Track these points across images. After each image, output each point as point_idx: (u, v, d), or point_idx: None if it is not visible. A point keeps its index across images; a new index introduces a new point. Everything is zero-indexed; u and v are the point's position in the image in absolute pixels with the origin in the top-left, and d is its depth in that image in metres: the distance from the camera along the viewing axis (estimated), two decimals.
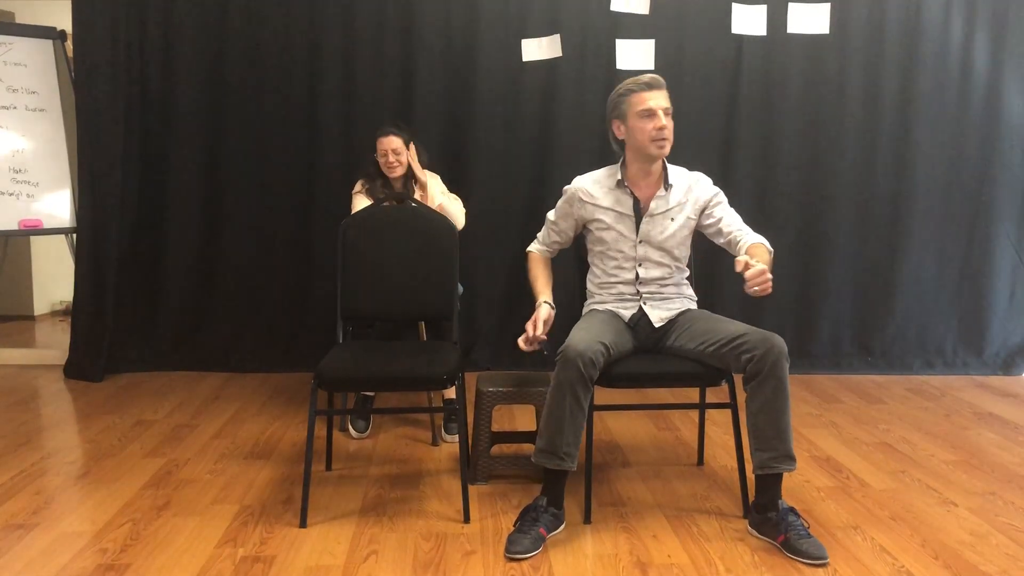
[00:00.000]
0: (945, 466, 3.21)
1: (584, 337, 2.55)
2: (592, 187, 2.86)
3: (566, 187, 2.92)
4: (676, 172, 2.86)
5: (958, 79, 4.58)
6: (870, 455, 3.33)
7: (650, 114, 2.69)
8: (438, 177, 3.77)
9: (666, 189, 2.81)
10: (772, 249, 2.71)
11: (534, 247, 3.03)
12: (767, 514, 2.53)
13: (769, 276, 2.42)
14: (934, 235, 4.68)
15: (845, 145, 4.59)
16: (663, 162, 2.83)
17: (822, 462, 3.24)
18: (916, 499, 2.88)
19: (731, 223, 2.80)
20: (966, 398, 4.20)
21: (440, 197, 3.61)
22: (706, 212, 2.83)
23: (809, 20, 4.48)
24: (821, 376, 4.62)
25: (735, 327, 2.63)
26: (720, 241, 2.83)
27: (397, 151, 3.58)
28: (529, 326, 2.70)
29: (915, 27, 4.53)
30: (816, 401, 4.12)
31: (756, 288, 2.41)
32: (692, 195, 2.83)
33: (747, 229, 2.78)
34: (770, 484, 2.55)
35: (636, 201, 2.81)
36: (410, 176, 3.65)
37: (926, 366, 4.69)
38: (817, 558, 2.39)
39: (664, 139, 2.71)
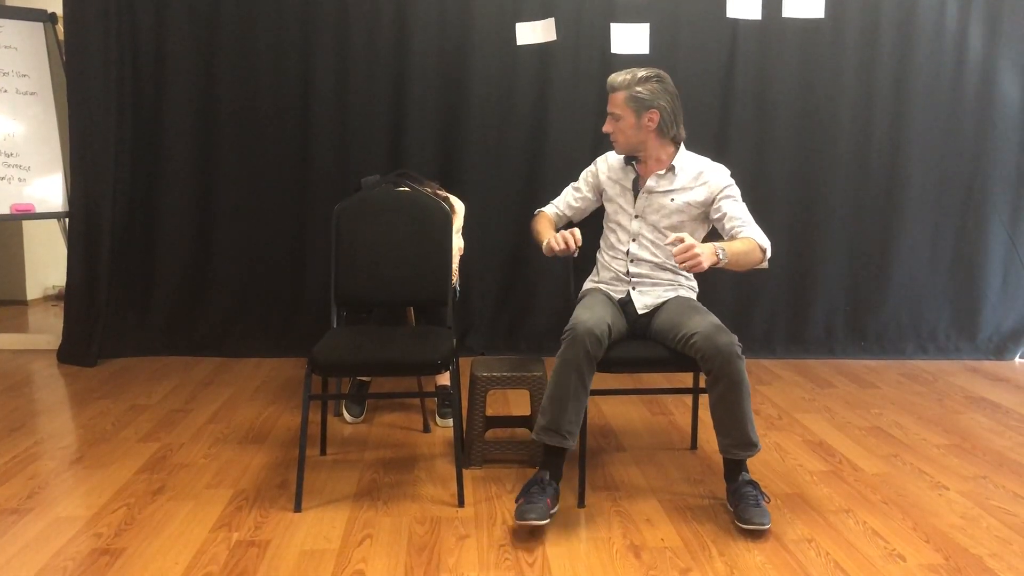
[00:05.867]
0: (937, 450, 3.23)
1: (590, 316, 2.58)
2: (613, 159, 2.97)
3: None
4: (691, 159, 2.85)
5: (953, 64, 4.57)
6: (863, 439, 3.35)
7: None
8: (463, 210, 3.68)
9: (667, 171, 2.82)
10: (765, 247, 2.66)
11: (545, 208, 3.10)
12: (730, 487, 2.63)
13: (696, 252, 2.41)
14: (928, 220, 4.68)
15: (840, 130, 4.59)
16: (675, 148, 2.84)
17: (815, 446, 3.26)
18: (908, 483, 2.90)
19: (735, 217, 2.74)
20: (959, 383, 4.22)
21: (458, 239, 3.60)
22: (714, 204, 2.81)
23: (804, 4, 4.47)
24: (814, 361, 4.63)
25: (693, 323, 2.59)
26: (724, 234, 2.79)
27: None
28: (557, 242, 2.67)
29: (910, 12, 4.51)
30: (809, 386, 4.13)
31: (684, 265, 2.43)
32: (701, 183, 2.81)
33: (751, 224, 2.72)
34: (733, 466, 2.63)
35: (637, 176, 2.86)
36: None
37: (919, 351, 4.71)
38: (756, 524, 2.45)
39: (612, 140, 2.85)
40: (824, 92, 4.56)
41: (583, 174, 3.04)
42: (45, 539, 2.41)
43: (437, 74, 4.49)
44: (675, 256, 2.44)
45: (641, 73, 2.74)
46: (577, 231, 2.70)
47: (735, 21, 4.48)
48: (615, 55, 4.45)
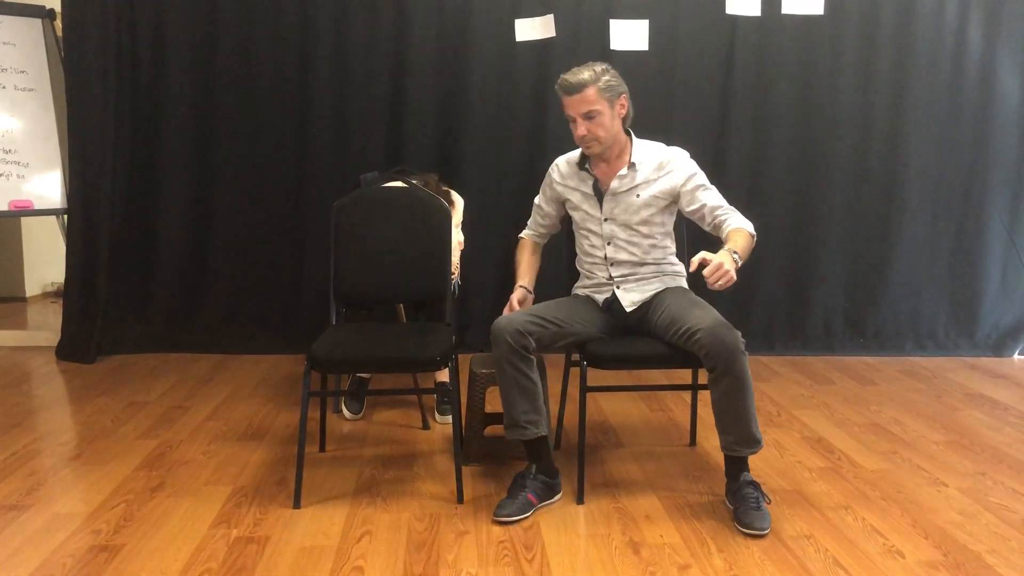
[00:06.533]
0: (936, 447, 3.23)
1: (510, 315, 2.65)
2: (564, 166, 2.90)
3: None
4: (647, 149, 2.79)
5: (952, 61, 4.56)
6: (862, 436, 3.35)
7: (571, 120, 2.71)
8: (462, 204, 3.69)
9: (629, 168, 2.76)
10: (755, 233, 2.63)
11: (525, 233, 3.07)
12: (730, 486, 2.61)
13: (727, 268, 2.35)
14: (927, 217, 4.68)
15: (838, 127, 4.58)
16: (630, 141, 2.79)
17: (814, 443, 3.26)
18: (907, 479, 2.90)
19: (716, 207, 2.71)
20: (957, 379, 4.22)
21: (458, 233, 3.58)
22: (685, 197, 2.75)
23: (804, 0, 4.46)
24: (813, 357, 4.63)
25: (695, 318, 2.56)
26: (704, 226, 2.76)
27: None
28: (505, 310, 2.78)
29: (909, 9, 4.50)
30: (808, 382, 4.14)
31: (719, 284, 2.35)
32: (664, 173, 2.76)
33: (731, 210, 2.70)
34: (734, 463, 2.61)
35: (596, 180, 2.80)
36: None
37: (918, 348, 4.71)
38: (756, 529, 2.44)
39: (589, 143, 2.71)
40: (823, 88, 4.55)
41: (542, 187, 2.99)
42: (44, 535, 2.41)
43: (436, 71, 4.48)
44: (707, 278, 2.36)
45: (598, 66, 2.68)
46: (515, 302, 2.81)
47: (734, 17, 4.47)
48: (614, 51, 4.44)
